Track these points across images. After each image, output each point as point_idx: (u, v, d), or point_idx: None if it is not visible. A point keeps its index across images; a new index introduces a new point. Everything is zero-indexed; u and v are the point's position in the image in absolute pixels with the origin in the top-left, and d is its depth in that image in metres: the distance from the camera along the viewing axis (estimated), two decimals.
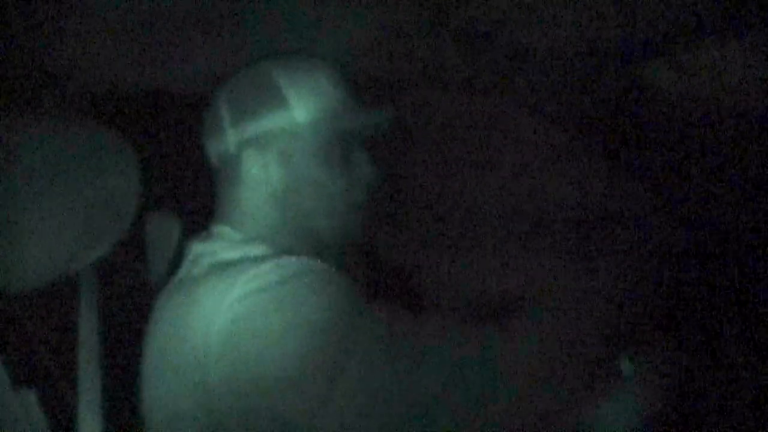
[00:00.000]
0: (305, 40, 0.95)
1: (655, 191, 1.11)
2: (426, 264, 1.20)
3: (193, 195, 1.05)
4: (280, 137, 0.86)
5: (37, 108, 0.95)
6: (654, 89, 0.90)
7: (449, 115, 1.12)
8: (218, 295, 0.76)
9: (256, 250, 0.84)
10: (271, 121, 0.86)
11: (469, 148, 1.13)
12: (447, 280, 1.21)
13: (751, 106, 0.90)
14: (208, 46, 0.95)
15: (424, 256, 1.20)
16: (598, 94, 1.01)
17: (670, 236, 1.10)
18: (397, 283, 1.19)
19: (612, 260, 0.88)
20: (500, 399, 0.74)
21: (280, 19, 0.89)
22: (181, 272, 0.85)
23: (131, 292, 1.04)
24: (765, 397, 0.93)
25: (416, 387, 0.72)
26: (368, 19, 0.88)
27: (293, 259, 0.80)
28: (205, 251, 0.85)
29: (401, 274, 1.20)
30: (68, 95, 0.99)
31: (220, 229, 0.88)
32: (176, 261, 0.90)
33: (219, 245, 0.85)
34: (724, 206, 1.03)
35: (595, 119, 1.04)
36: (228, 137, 0.88)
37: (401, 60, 0.97)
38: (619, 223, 1.15)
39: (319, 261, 0.82)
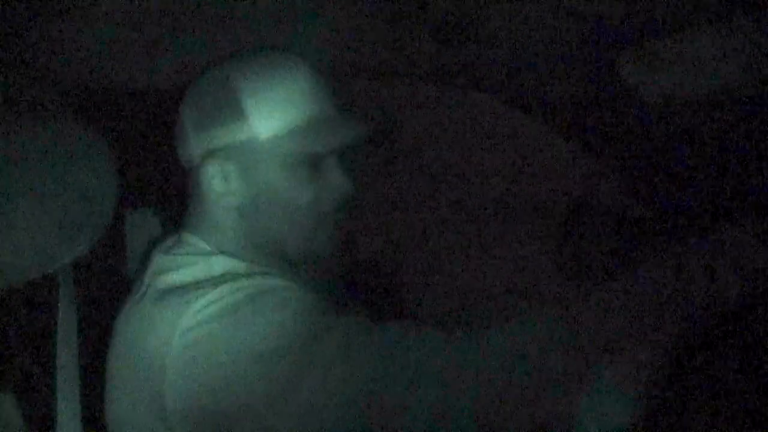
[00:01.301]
0: (285, 32, 0.94)
1: (631, 179, 1.11)
2: (406, 261, 1.20)
3: (173, 192, 1.04)
4: (240, 150, 0.81)
5: (11, 105, 0.94)
6: (627, 80, 0.90)
7: (425, 108, 1.11)
8: (174, 318, 0.75)
9: (218, 265, 0.81)
10: (229, 134, 0.81)
11: (447, 142, 1.13)
12: (427, 277, 1.21)
13: (725, 96, 0.90)
14: (187, 39, 0.94)
15: (404, 253, 1.20)
16: (573, 86, 1.02)
17: (645, 223, 1.10)
18: (378, 281, 1.18)
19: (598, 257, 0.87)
20: (465, 406, 0.70)
21: (262, 11, 0.88)
22: (143, 287, 0.82)
23: (111, 292, 1.02)
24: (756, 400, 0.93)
25: (375, 401, 0.70)
26: (346, 12, 0.87)
27: (252, 279, 0.78)
28: (167, 265, 0.82)
29: (382, 271, 1.19)
30: (44, 92, 0.97)
31: (187, 237, 0.86)
32: (146, 263, 0.88)
33: (182, 260, 0.82)
34: (700, 192, 1.04)
35: (570, 111, 1.04)
36: (191, 146, 0.84)
37: (379, 52, 0.96)
38: (596, 212, 1.15)
39: (277, 278, 0.80)
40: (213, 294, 0.75)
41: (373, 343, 0.73)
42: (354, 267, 1.09)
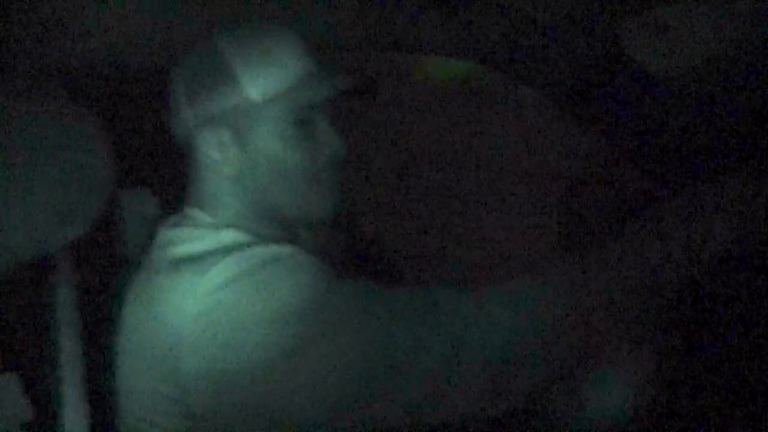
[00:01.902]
0: (287, 11, 0.92)
1: (631, 153, 1.10)
2: (406, 234, 1.19)
3: (169, 171, 1.03)
4: (233, 116, 0.82)
5: (4, 84, 0.92)
6: (629, 48, 0.89)
7: (427, 80, 1.10)
8: (188, 287, 0.76)
9: (226, 238, 0.82)
10: (222, 100, 0.82)
11: (449, 112, 1.11)
12: (428, 250, 1.21)
13: (721, 64, 0.90)
14: (184, 18, 0.93)
15: (404, 227, 1.20)
16: (576, 57, 1.00)
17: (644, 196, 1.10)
18: (377, 254, 1.18)
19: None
20: (475, 365, 0.74)
21: None
22: (151, 261, 0.84)
23: (108, 272, 1.02)
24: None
25: (387, 359, 0.73)
26: None
27: (262, 247, 0.79)
28: (176, 238, 0.83)
29: (381, 244, 1.19)
30: (37, 72, 0.96)
31: (191, 212, 0.86)
32: (151, 241, 0.88)
33: (189, 233, 0.83)
34: (700, 163, 1.03)
35: (572, 82, 1.03)
36: (185, 118, 0.85)
37: (380, 25, 0.95)
38: (595, 185, 1.15)
39: (288, 245, 0.81)
40: (226, 261, 0.76)
41: (385, 302, 0.76)
42: (355, 245, 1.08)
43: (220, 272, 0.76)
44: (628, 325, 0.79)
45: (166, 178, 1.01)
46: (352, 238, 1.12)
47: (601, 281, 0.77)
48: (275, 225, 0.86)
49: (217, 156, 0.83)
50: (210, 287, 0.75)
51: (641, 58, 0.88)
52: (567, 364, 0.78)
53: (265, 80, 0.82)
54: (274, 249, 0.79)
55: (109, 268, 1.02)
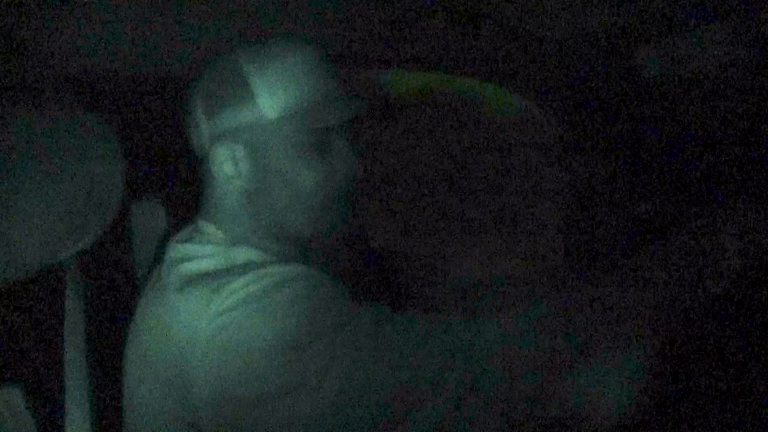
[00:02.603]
0: (294, 21, 0.93)
1: (640, 174, 1.12)
2: (414, 249, 1.19)
3: (179, 183, 1.03)
4: (248, 132, 0.82)
5: (19, 95, 0.92)
6: (644, 73, 0.90)
7: (437, 95, 1.11)
8: (201, 305, 0.74)
9: (239, 256, 0.81)
10: (238, 116, 0.82)
11: (458, 130, 1.12)
12: (434, 265, 1.21)
13: (731, 86, 0.92)
14: (191, 29, 0.93)
15: (411, 242, 1.20)
16: (588, 78, 1.02)
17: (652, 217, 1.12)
18: (385, 269, 1.18)
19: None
20: (487, 389, 0.73)
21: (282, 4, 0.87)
22: (163, 276, 0.82)
23: (116, 282, 1.01)
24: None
25: (403, 384, 0.72)
26: (366, 3, 0.86)
27: (276, 267, 0.78)
28: (188, 254, 0.82)
29: (389, 259, 1.19)
30: (51, 81, 0.95)
31: (204, 226, 0.85)
32: (161, 253, 0.88)
33: (201, 249, 0.82)
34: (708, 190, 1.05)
35: (581, 103, 1.04)
36: (202, 131, 0.84)
37: (396, 43, 0.95)
38: (604, 204, 1.16)
39: (301, 265, 0.80)
40: (240, 281, 0.75)
41: (399, 330, 0.74)
42: (363, 257, 1.08)
43: (233, 292, 0.74)
44: (636, 343, 0.79)
45: (177, 190, 1.01)
46: (360, 253, 1.12)
47: (614, 305, 0.77)
48: (285, 241, 0.85)
49: (230, 171, 0.83)
50: (223, 307, 0.73)
51: (656, 80, 0.89)
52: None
53: (281, 99, 0.81)
54: (288, 269, 0.78)
55: (117, 278, 1.00)
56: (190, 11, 0.88)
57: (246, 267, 0.78)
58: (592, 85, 0.98)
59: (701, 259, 0.79)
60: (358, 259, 1.06)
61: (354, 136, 0.87)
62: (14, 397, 0.85)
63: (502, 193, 1.14)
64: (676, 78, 0.86)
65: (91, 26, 0.89)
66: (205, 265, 0.80)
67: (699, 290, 0.79)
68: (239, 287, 0.74)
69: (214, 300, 0.74)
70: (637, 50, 0.87)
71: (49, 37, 0.89)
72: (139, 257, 1.00)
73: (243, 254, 0.81)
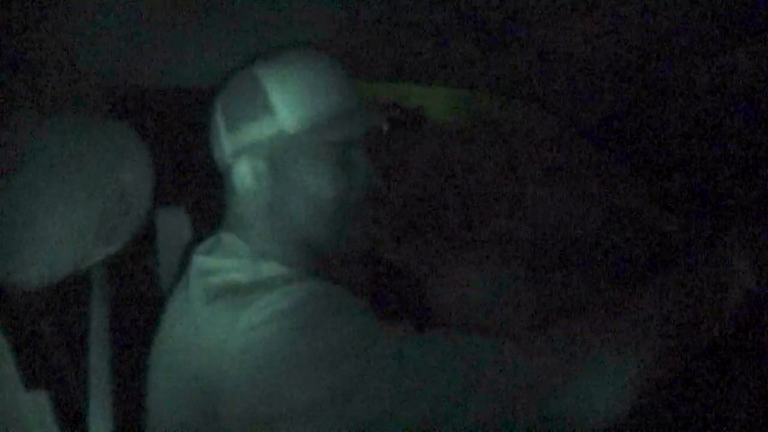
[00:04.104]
0: (316, 36, 0.93)
1: (667, 195, 1.11)
2: (434, 267, 1.19)
3: (205, 191, 1.03)
4: (269, 146, 0.83)
5: (50, 104, 0.93)
6: (689, 89, 0.89)
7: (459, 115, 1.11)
8: (229, 321, 0.74)
9: (265, 270, 0.81)
10: (258, 130, 0.83)
11: (480, 151, 1.12)
12: (454, 283, 1.20)
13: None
14: (220, 40, 0.93)
15: (432, 259, 1.19)
16: (616, 98, 1.01)
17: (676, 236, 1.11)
18: (403, 285, 1.18)
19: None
20: (514, 410, 0.73)
21: (289, 14, 0.87)
22: (189, 288, 0.82)
23: (142, 290, 1.01)
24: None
25: (428, 402, 0.72)
26: (380, 15, 0.86)
27: (304, 283, 0.78)
28: (213, 267, 0.82)
29: (409, 277, 1.19)
30: (82, 91, 0.96)
31: (227, 238, 0.86)
32: (186, 261, 0.88)
33: (228, 263, 0.82)
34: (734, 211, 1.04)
35: (614, 122, 1.04)
36: (224, 145, 0.85)
37: (413, 59, 0.95)
38: (630, 224, 1.15)
39: (326, 281, 0.80)
40: (269, 297, 0.75)
41: (426, 350, 0.74)
42: (379, 271, 1.08)
43: (262, 308, 0.74)
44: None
45: (202, 199, 1.01)
46: (376, 267, 1.12)
47: (633, 332, 0.77)
48: (306, 255, 0.85)
49: (252, 185, 0.84)
50: (252, 323, 0.73)
51: (698, 98, 0.88)
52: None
53: (301, 113, 0.82)
54: (315, 285, 0.78)
55: (142, 285, 1.01)
56: (209, 22, 0.89)
57: (273, 282, 0.78)
58: (622, 104, 0.98)
59: (713, 292, 0.79)
60: (374, 272, 1.06)
61: (378, 150, 0.87)
62: (40, 400, 0.86)
63: (520, 207, 1.14)
64: (711, 96, 0.86)
65: (119, 37, 0.90)
66: (231, 278, 0.80)
67: (709, 326, 0.79)
68: (268, 303, 0.74)
69: (243, 315, 0.74)
70: (680, 66, 0.86)
71: (80, 49, 0.90)
72: (164, 265, 1.01)
73: (269, 269, 0.81)
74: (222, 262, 0.82)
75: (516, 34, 0.90)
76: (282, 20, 0.90)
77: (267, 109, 0.82)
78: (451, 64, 1.01)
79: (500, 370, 0.73)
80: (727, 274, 0.79)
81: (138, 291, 1.02)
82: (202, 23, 0.88)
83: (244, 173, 0.83)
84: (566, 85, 0.99)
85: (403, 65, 1.02)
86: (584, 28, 0.84)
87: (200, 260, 0.84)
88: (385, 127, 0.86)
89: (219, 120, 0.86)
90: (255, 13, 0.87)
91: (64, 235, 0.88)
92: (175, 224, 1.03)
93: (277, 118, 0.82)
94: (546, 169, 1.19)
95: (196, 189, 1.09)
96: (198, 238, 0.90)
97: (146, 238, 1.01)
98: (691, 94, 0.88)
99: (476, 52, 0.95)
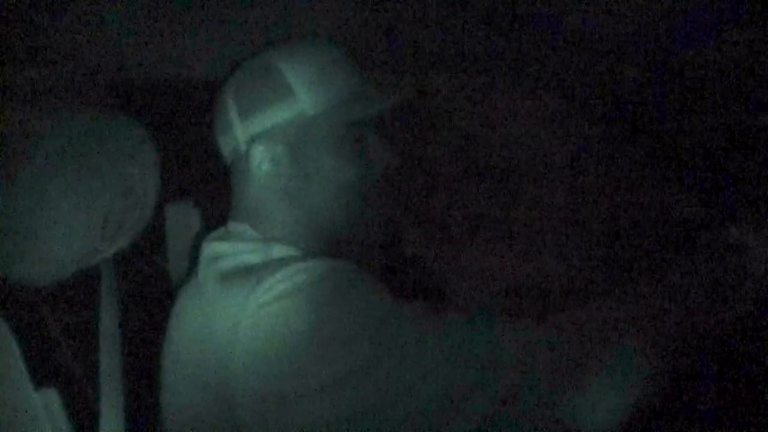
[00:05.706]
0: (326, 24, 0.92)
1: (684, 179, 1.09)
2: (449, 255, 1.18)
3: (213, 185, 1.03)
4: (288, 130, 0.82)
5: (55, 99, 0.92)
6: (698, 73, 0.87)
7: (476, 102, 1.09)
8: (241, 299, 0.73)
9: (279, 252, 0.80)
10: (277, 114, 0.82)
11: (498, 138, 1.11)
12: (470, 271, 1.19)
13: None
14: (226, 31, 0.93)
15: (447, 247, 1.18)
16: (630, 80, 0.99)
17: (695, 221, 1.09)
18: (420, 274, 1.17)
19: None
20: (532, 391, 0.71)
21: (294, 4, 0.87)
22: (200, 274, 0.81)
23: (151, 285, 1.01)
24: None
25: (447, 382, 0.70)
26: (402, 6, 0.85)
27: (318, 260, 0.76)
28: (225, 251, 0.81)
29: (424, 264, 1.18)
30: (86, 85, 0.96)
31: (238, 226, 0.85)
32: (195, 254, 0.87)
33: (240, 246, 0.81)
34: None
35: (626, 105, 1.02)
36: (237, 132, 0.84)
37: (426, 44, 0.94)
38: (645, 209, 1.14)
39: (341, 260, 0.78)
40: (281, 273, 0.73)
41: (446, 329, 0.73)
42: (399, 261, 1.07)
43: (274, 284, 0.72)
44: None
45: (210, 192, 1.00)
46: (393, 257, 1.11)
47: (644, 321, 0.76)
48: (324, 242, 0.84)
49: (270, 170, 0.82)
50: (264, 299, 0.71)
51: (707, 81, 0.86)
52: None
53: (320, 95, 0.82)
54: (329, 263, 0.76)
55: (152, 280, 1.00)
56: (212, 14, 0.88)
57: (285, 261, 0.77)
58: (634, 86, 0.96)
59: (731, 274, 0.78)
60: (391, 264, 1.05)
61: (397, 140, 0.86)
62: (50, 399, 0.85)
63: (539, 193, 1.12)
64: (725, 80, 0.84)
65: (125, 31, 0.89)
66: (242, 260, 0.79)
67: (721, 313, 0.78)
68: (280, 280, 0.72)
69: (255, 293, 0.72)
70: (690, 52, 0.84)
71: (84, 42, 0.90)
72: (173, 260, 1.00)
73: (280, 250, 0.80)
74: (234, 246, 0.81)
75: (527, 15, 0.88)
76: (288, 10, 0.89)
77: (285, 92, 0.81)
78: (461, 49, 1.00)
79: (523, 347, 0.72)
80: (745, 255, 0.79)
81: (148, 286, 1.01)
82: (207, 15, 0.87)
83: (261, 159, 0.82)
84: (576, 65, 0.97)
85: (413, 54, 1.01)
86: (597, 8, 0.82)
87: (211, 246, 0.83)
88: (410, 98, 0.85)
89: (230, 108, 0.84)
90: (260, 3, 0.86)
91: (70, 232, 0.87)
92: (184, 218, 1.03)
93: (296, 100, 0.81)
94: (568, 157, 1.17)
95: (205, 182, 1.08)
96: (208, 232, 0.89)
97: (155, 232, 1.01)
98: (705, 74, 0.87)
99: (486, 35, 0.93)
